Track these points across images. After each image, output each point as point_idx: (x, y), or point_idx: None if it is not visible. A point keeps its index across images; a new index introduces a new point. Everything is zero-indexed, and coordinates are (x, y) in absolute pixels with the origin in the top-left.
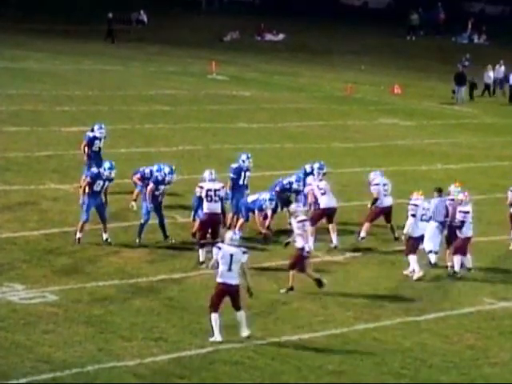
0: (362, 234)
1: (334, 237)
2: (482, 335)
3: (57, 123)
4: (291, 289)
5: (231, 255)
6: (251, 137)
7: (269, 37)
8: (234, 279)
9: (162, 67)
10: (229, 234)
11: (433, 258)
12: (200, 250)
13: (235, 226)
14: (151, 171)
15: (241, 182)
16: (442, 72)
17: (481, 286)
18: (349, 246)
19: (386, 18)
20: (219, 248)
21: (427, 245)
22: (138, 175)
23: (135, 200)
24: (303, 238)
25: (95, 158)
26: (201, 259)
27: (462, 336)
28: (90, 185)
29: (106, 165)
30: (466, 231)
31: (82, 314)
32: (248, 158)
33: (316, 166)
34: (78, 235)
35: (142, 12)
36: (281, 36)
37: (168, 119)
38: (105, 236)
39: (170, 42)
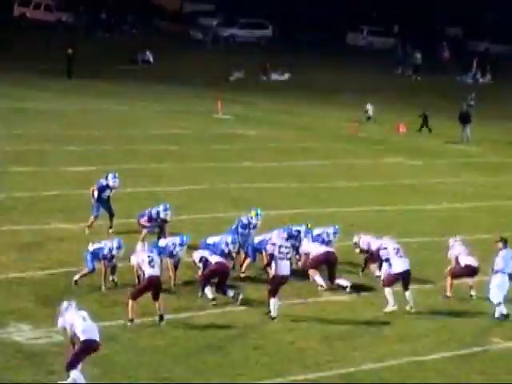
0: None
1: (342, 280)
2: (489, 376)
3: (63, 163)
4: None
5: None
6: (256, 176)
7: (274, 76)
8: None
9: (168, 106)
10: None
11: (503, 309)
12: (206, 289)
13: (241, 266)
14: (158, 212)
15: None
16: (447, 111)
17: (488, 326)
18: (355, 286)
19: (390, 57)
20: None
21: (495, 297)
22: (145, 218)
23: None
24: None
25: (103, 205)
26: (210, 296)
27: (469, 376)
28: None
29: (115, 244)
30: None
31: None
32: (258, 215)
33: (330, 230)
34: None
35: (147, 52)
36: (286, 75)
37: (174, 158)
38: (111, 277)
39: (176, 82)
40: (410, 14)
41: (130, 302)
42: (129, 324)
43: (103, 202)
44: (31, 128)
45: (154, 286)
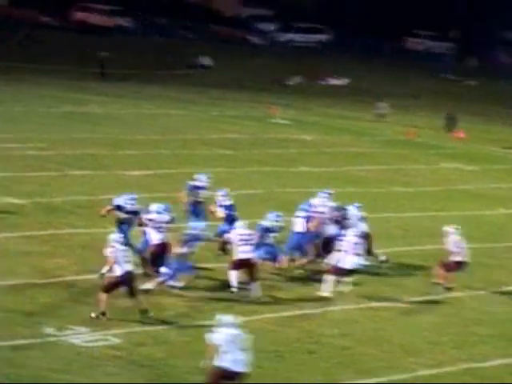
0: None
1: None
2: None
3: (119, 167)
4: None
5: None
6: (312, 181)
7: (332, 81)
8: None
9: (224, 111)
10: None
11: None
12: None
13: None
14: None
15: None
16: (506, 116)
17: None
18: (411, 291)
19: (445, 62)
20: None
21: None
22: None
23: None
24: None
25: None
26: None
27: None
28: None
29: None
30: None
31: (145, 358)
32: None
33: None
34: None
35: (204, 56)
36: (343, 80)
37: (229, 163)
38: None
39: (232, 86)
40: (467, 19)
41: (103, 295)
42: (101, 317)
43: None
44: (89, 132)
45: (128, 282)
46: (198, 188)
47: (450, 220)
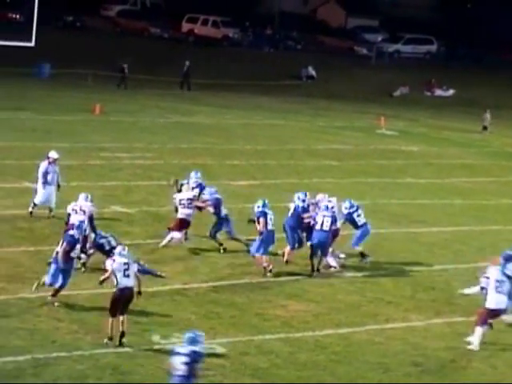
0: None
1: None
2: None
3: (226, 177)
4: None
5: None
6: (418, 192)
7: (439, 92)
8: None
9: (330, 122)
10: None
11: None
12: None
13: None
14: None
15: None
16: None
17: None
18: None
19: None
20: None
21: None
22: None
23: None
24: None
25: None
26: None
27: None
28: None
29: None
30: None
31: (249, 367)
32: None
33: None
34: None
35: (311, 67)
36: (451, 91)
37: (335, 173)
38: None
39: (338, 97)
40: None
41: (110, 319)
42: (106, 342)
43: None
44: (195, 142)
45: (125, 299)
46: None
47: None
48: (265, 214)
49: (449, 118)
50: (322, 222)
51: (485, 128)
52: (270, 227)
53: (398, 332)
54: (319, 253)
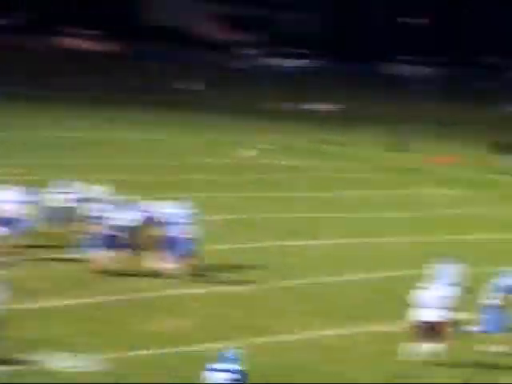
0: None
1: None
2: None
3: None
4: None
5: None
6: (307, 206)
7: (316, 106)
8: None
9: (210, 136)
10: None
11: None
12: None
13: None
14: None
15: None
16: (489, 141)
17: None
18: None
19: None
20: None
21: None
22: None
23: None
24: None
25: None
26: None
27: None
28: None
29: None
30: None
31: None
32: None
33: None
34: None
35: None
36: (333, 105)
37: (203, 188)
38: None
39: (222, 111)
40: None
41: None
42: None
43: None
44: None
45: None
46: None
47: None
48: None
49: (327, 132)
50: None
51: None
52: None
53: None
54: None
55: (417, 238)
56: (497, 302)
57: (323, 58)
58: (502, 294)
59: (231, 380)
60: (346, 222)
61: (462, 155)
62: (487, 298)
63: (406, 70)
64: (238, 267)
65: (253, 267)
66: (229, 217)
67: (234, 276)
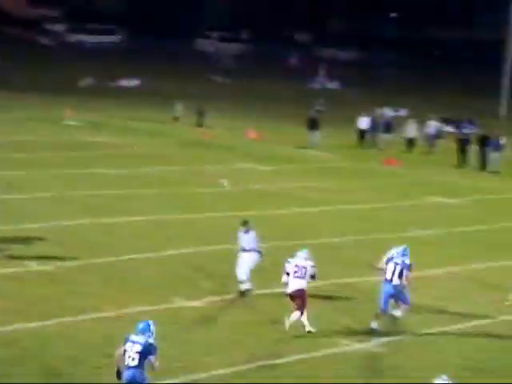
0: None
1: None
2: (339, 376)
3: None
4: None
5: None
6: (109, 182)
7: (123, 82)
8: None
9: (15, 114)
10: None
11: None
12: None
13: None
14: None
15: None
16: (297, 117)
17: (336, 328)
18: (208, 291)
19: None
20: None
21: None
22: None
23: None
24: None
25: None
26: None
27: (319, 378)
28: None
29: None
30: None
31: None
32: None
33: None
34: None
35: None
36: (135, 81)
37: (22, 166)
38: None
39: (21, 89)
40: (259, 20)
41: None
42: None
43: None
44: None
45: None
46: None
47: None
48: None
49: (136, 109)
50: None
51: (176, 118)
52: None
53: (90, 323)
54: None
55: (228, 213)
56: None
57: (130, 34)
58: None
59: None
60: (155, 199)
61: (269, 131)
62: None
63: (216, 46)
64: (43, 245)
65: (60, 244)
66: (38, 194)
67: (36, 253)
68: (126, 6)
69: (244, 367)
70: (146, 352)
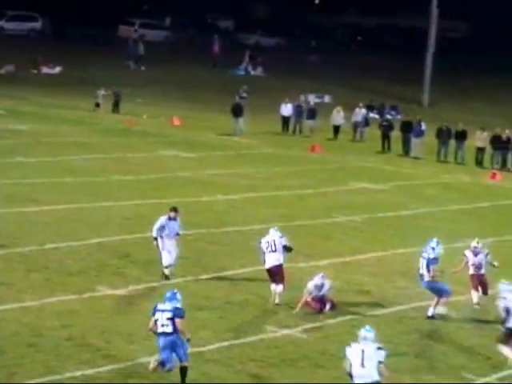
0: None
1: None
2: (265, 363)
3: None
4: None
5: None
6: (29, 171)
7: (45, 70)
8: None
9: None
10: None
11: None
12: None
13: None
14: None
15: None
16: (221, 104)
17: (263, 315)
18: (132, 279)
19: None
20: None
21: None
22: None
23: None
24: None
25: None
26: None
27: (245, 365)
28: None
29: None
30: None
31: None
32: None
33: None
34: None
35: None
36: (57, 69)
37: None
38: None
39: None
40: (182, 7)
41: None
42: None
43: None
44: None
45: None
46: None
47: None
48: None
49: (58, 96)
50: None
51: (97, 105)
52: None
53: (12, 313)
54: None
55: (152, 201)
56: None
57: (52, 21)
58: None
59: None
60: (77, 187)
61: (193, 118)
62: None
63: (138, 33)
64: None
65: None
66: None
67: None
68: None
69: None
70: (175, 316)
